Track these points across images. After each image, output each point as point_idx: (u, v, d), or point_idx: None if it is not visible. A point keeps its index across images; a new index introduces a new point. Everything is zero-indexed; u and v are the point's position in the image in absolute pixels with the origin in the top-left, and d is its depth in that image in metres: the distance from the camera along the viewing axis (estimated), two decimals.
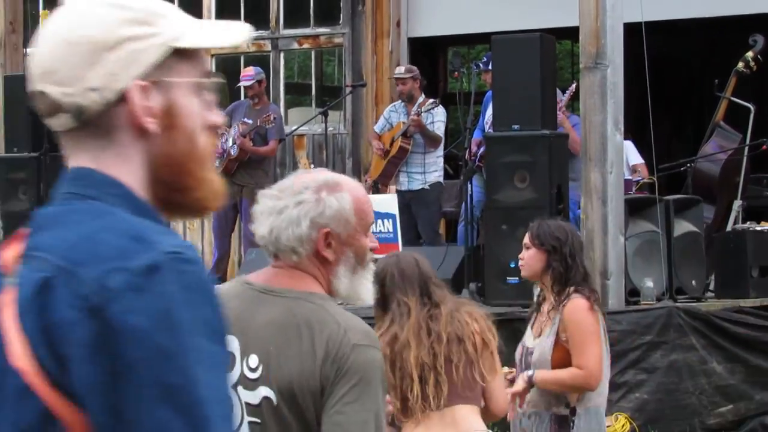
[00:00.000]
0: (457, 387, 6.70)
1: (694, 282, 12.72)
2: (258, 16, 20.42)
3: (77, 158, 2.65)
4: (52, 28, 2.63)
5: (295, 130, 19.09)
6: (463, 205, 14.74)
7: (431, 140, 15.41)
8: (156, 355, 2.35)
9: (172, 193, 2.72)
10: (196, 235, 19.24)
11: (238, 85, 17.53)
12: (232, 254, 17.22)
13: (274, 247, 4.36)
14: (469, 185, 14.56)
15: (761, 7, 16.28)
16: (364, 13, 19.43)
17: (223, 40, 2.50)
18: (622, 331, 12.02)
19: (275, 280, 4.40)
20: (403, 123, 15.46)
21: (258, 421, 4.17)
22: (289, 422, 4.15)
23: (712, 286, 13.23)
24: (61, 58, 2.54)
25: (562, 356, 7.64)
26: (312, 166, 16.36)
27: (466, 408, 6.81)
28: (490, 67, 14.19)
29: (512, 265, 12.31)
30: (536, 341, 7.87)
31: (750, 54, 14.18)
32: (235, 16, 20.70)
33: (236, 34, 2.70)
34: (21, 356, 2.47)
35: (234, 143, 15.96)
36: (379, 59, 18.40)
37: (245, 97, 16.54)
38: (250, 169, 16.04)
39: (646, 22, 12.99)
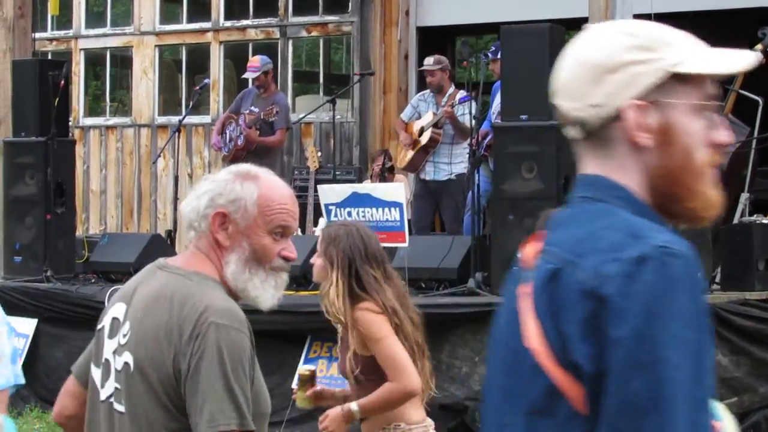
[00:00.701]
0: None
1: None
2: (267, 4, 20.40)
3: (587, 165, 3.05)
4: (572, 50, 2.98)
5: (303, 118, 19.03)
6: (470, 194, 14.78)
7: (462, 132, 15.38)
8: (635, 334, 2.73)
9: (667, 201, 3.03)
10: None
11: (244, 75, 17.29)
12: None
13: (185, 222, 4.47)
14: (476, 175, 14.62)
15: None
16: (372, 1, 19.41)
17: (725, 67, 2.78)
18: None
19: (180, 260, 4.53)
20: (434, 114, 15.54)
21: (118, 386, 4.18)
22: (139, 390, 4.15)
23: (718, 279, 13.27)
24: (572, 77, 2.92)
25: None
26: (319, 153, 16.39)
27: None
28: (498, 57, 14.23)
29: (518, 256, 12.34)
30: None
31: (759, 47, 14.18)
32: (244, 4, 20.70)
33: (739, 61, 2.93)
34: (534, 338, 2.94)
35: (241, 133, 16.05)
36: (388, 48, 18.43)
37: (252, 85, 16.57)
38: (258, 158, 16.05)
39: (655, 14, 13.02)
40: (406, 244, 13.59)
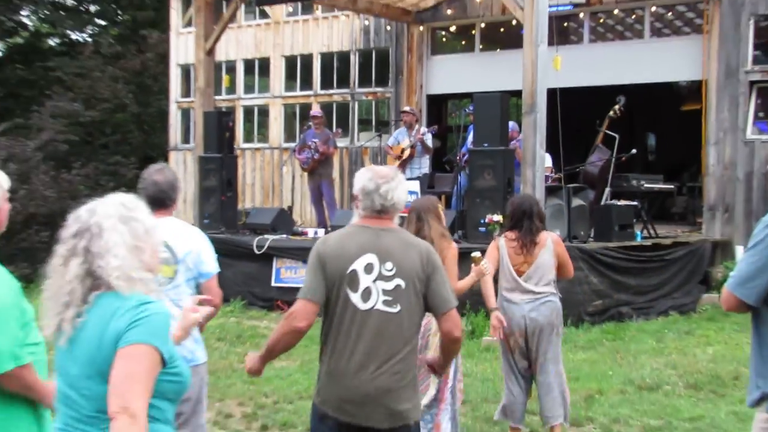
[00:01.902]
0: None
1: (582, 233, 12.69)
2: (344, 80, 20.28)
3: None
4: None
5: (362, 144, 18.57)
6: (455, 187, 14.74)
7: (427, 149, 15.40)
8: None
9: None
10: (307, 204, 18.72)
11: (308, 123, 17.23)
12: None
13: (398, 206, 4.43)
14: (459, 177, 14.59)
15: (622, 80, 16.23)
16: (402, 79, 19.34)
17: None
18: None
19: (393, 225, 4.36)
20: (410, 141, 15.53)
21: (391, 299, 4.08)
22: (410, 297, 4.11)
23: (592, 235, 13.20)
24: None
25: None
26: (371, 164, 16.36)
27: None
28: (471, 111, 14.19)
29: (482, 222, 12.37)
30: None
31: (616, 106, 14.16)
32: (330, 80, 20.64)
33: None
34: None
35: (316, 151, 15.97)
36: (410, 106, 18.28)
37: (312, 127, 16.35)
38: (324, 165, 16.04)
39: (560, 88, 13.00)
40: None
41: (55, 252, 2.94)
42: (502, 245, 6.88)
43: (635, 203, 14.18)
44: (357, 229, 4.25)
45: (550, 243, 6.87)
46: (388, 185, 4.20)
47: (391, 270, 4.13)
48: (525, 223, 6.80)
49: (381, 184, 4.20)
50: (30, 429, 3.66)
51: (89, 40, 31.11)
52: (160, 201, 5.00)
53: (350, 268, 4.11)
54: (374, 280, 4.11)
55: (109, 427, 2.67)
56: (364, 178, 4.27)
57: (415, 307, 4.18)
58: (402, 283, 4.13)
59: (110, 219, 2.90)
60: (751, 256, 3.65)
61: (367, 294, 4.11)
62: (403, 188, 4.29)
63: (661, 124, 19.76)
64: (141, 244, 2.93)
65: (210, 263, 5.20)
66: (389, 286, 4.12)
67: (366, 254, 4.14)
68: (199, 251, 5.11)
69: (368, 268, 4.12)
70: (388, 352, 4.12)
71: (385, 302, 4.12)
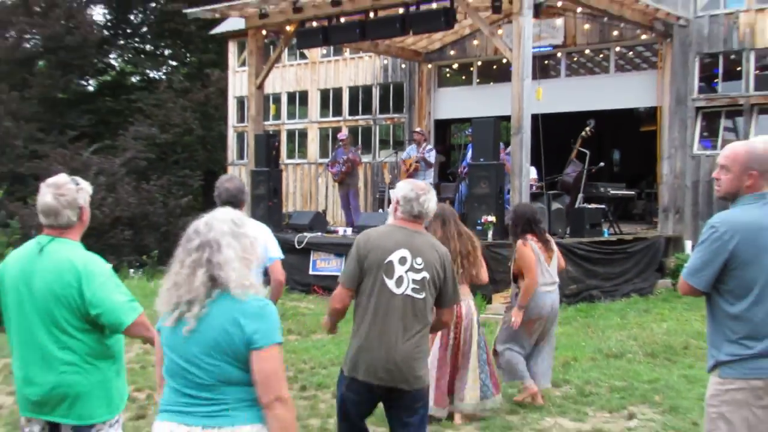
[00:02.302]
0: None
1: (560, 230, 12.63)
2: (367, 107, 20.27)
3: None
4: None
5: (383, 159, 18.57)
6: (457, 194, 14.71)
7: (428, 164, 15.30)
8: None
9: None
10: (337, 208, 18.36)
11: (338, 143, 17.12)
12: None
13: (431, 213, 4.49)
14: (460, 186, 14.55)
15: (592, 107, 16.16)
16: (414, 107, 19.31)
17: None
18: None
19: (422, 228, 4.39)
20: (416, 156, 15.47)
21: (416, 287, 4.15)
22: (430, 288, 4.20)
23: (568, 232, 13.14)
24: None
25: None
26: (390, 176, 16.35)
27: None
28: (471, 132, 14.16)
29: (479, 222, 12.31)
30: None
31: (587, 128, 14.05)
32: (356, 107, 20.65)
33: None
34: None
35: (343, 166, 16.02)
36: (421, 128, 18.24)
37: (341, 147, 16.32)
38: (350, 178, 16.01)
39: (541, 113, 12.95)
40: None
41: (179, 259, 2.95)
42: (535, 247, 6.64)
43: (603, 206, 14.13)
44: (394, 229, 4.27)
45: (554, 246, 6.87)
46: (426, 196, 4.25)
47: (420, 264, 4.17)
48: (537, 228, 6.70)
49: (420, 195, 4.24)
50: (116, 383, 3.82)
51: (164, 77, 31.28)
52: (232, 203, 4.98)
53: (387, 259, 4.13)
54: (406, 271, 4.14)
55: (226, 388, 2.82)
56: (406, 188, 4.30)
57: (432, 297, 4.23)
58: (427, 275, 4.18)
59: (226, 236, 2.93)
60: (698, 251, 3.68)
61: (399, 281, 4.12)
62: (435, 200, 4.33)
63: (623, 142, 19.65)
64: (249, 256, 2.98)
65: (275, 250, 5.23)
66: (418, 276, 4.16)
67: (401, 249, 4.16)
68: (266, 241, 5.13)
69: (402, 261, 4.15)
70: (413, 329, 4.15)
71: (413, 289, 4.15)
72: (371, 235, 4.27)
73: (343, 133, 16.98)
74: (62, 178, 3.84)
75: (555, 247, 6.89)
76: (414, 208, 4.23)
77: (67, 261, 3.68)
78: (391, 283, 4.12)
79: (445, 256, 4.32)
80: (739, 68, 15.15)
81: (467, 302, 6.20)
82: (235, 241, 2.94)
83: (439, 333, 5.97)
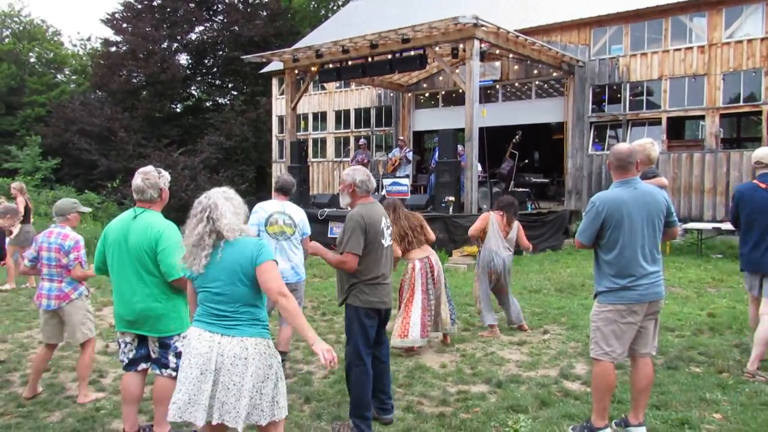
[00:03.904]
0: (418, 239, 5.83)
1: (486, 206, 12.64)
2: (367, 123, 20.13)
3: None
4: None
5: (377, 159, 18.33)
6: (428, 182, 14.66)
7: (408, 161, 15.10)
8: None
9: None
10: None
11: (360, 144, 17.11)
12: None
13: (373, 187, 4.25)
14: (430, 176, 14.47)
15: (520, 121, 16.06)
16: (399, 122, 19.18)
17: None
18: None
19: (368, 199, 4.14)
20: (400, 155, 15.31)
21: (390, 238, 4.15)
22: (390, 241, 4.20)
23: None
24: None
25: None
26: (383, 169, 16.25)
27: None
28: (437, 140, 14.08)
29: (443, 201, 12.26)
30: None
31: (517, 136, 13.98)
32: (359, 121, 20.49)
33: None
34: None
35: (360, 161, 15.93)
36: (404, 136, 18.13)
37: (360, 149, 16.28)
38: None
39: (486, 126, 12.85)
40: (409, 196, 13.44)
41: (190, 227, 2.95)
42: (492, 218, 6.41)
43: (527, 190, 14.14)
44: (370, 205, 4.03)
45: (517, 226, 6.55)
46: (372, 178, 4.12)
47: (389, 225, 4.17)
48: (511, 210, 6.46)
49: (370, 177, 4.09)
50: (184, 309, 3.83)
51: (228, 102, 31.03)
52: (285, 191, 5.14)
53: (380, 227, 4.02)
54: (386, 230, 4.10)
55: (241, 309, 2.86)
56: (360, 174, 4.05)
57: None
58: (390, 230, 4.20)
59: (220, 199, 2.95)
60: (584, 219, 3.78)
61: (385, 239, 4.08)
62: (374, 180, 4.16)
63: (541, 146, 19.57)
64: (240, 212, 2.98)
65: (308, 228, 5.20)
66: (388, 232, 4.14)
67: (382, 218, 4.08)
68: (304, 220, 5.11)
69: (386, 225, 4.11)
70: (390, 268, 4.18)
71: (389, 241, 4.15)
72: (364, 215, 3.94)
73: (363, 141, 17.04)
74: (149, 168, 3.89)
75: (516, 227, 6.52)
76: (369, 186, 4.05)
77: (150, 225, 3.70)
78: (384, 242, 4.05)
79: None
80: (619, 95, 15.28)
81: (434, 256, 5.96)
82: (228, 202, 2.95)
83: (419, 281, 5.79)
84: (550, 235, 13.64)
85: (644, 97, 14.98)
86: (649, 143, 4.54)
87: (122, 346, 3.90)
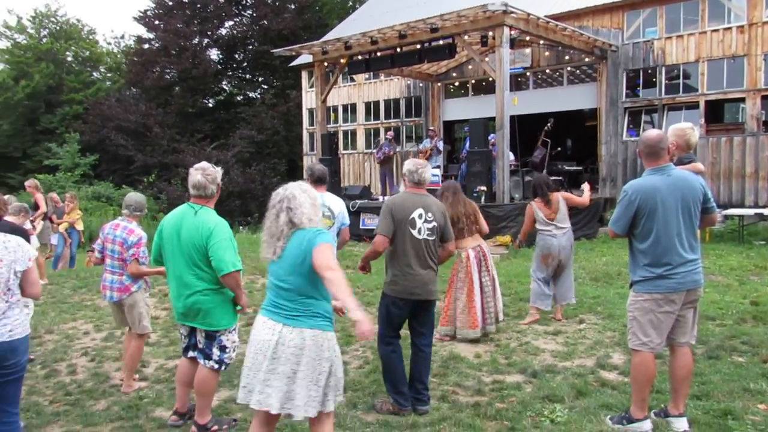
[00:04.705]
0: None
1: (530, 195, 12.48)
2: (396, 114, 20.10)
3: None
4: None
5: (407, 149, 18.52)
6: (459, 171, 14.57)
7: (439, 152, 15.06)
8: None
9: None
10: (378, 183, 17.60)
11: (386, 138, 16.99)
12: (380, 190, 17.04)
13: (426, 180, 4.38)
14: (461, 166, 14.39)
15: (552, 109, 15.82)
16: (428, 112, 19.09)
17: None
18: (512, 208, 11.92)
19: (422, 191, 4.23)
20: (431, 146, 15.21)
21: (430, 233, 4.14)
22: (437, 233, 4.20)
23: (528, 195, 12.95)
24: None
25: None
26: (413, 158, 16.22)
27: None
28: (467, 129, 13.99)
29: (474, 190, 12.19)
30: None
31: (548, 124, 13.77)
32: (389, 112, 20.45)
33: None
34: None
35: (386, 153, 16.00)
36: (434, 126, 18.03)
37: (387, 140, 16.22)
38: (388, 162, 15.91)
39: (517, 115, 12.70)
40: (440, 187, 13.40)
41: (268, 213, 3.06)
42: (535, 208, 6.36)
43: (560, 178, 13.92)
44: (409, 195, 4.20)
45: (560, 197, 6.39)
46: (422, 169, 4.22)
47: (431, 217, 4.16)
48: (539, 191, 6.34)
49: (418, 168, 4.22)
50: (232, 305, 3.92)
51: (259, 96, 31.30)
52: (321, 181, 5.08)
53: (411, 216, 4.12)
54: (423, 223, 4.13)
55: (300, 299, 2.93)
56: (409, 164, 4.27)
57: (438, 238, 4.24)
58: (435, 224, 4.18)
59: (296, 190, 3.06)
60: (617, 208, 3.72)
61: (418, 230, 4.12)
62: (429, 171, 4.27)
63: (574, 133, 19.26)
64: (315, 203, 3.08)
65: (347, 218, 5.18)
66: (429, 226, 4.15)
67: (418, 208, 4.13)
68: (343, 210, 5.09)
69: (420, 216, 4.12)
70: (429, 261, 4.17)
71: (427, 234, 4.15)
72: (396, 201, 4.19)
73: (390, 133, 16.93)
74: (205, 164, 3.96)
75: (560, 201, 6.33)
76: (415, 177, 4.19)
77: (204, 222, 3.77)
78: (414, 232, 4.10)
79: (444, 209, 4.31)
80: (654, 79, 14.93)
81: (485, 246, 5.95)
82: (304, 193, 3.05)
83: (475, 270, 5.77)
84: (585, 223, 13.42)
85: (681, 81, 14.61)
86: (689, 128, 4.41)
87: (181, 336, 4.10)
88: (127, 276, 4.86)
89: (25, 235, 4.56)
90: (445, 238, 4.30)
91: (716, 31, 13.98)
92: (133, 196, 5.00)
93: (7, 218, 5.26)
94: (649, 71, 15.01)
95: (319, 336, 2.91)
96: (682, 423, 3.74)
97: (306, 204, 3.01)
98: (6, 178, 31.24)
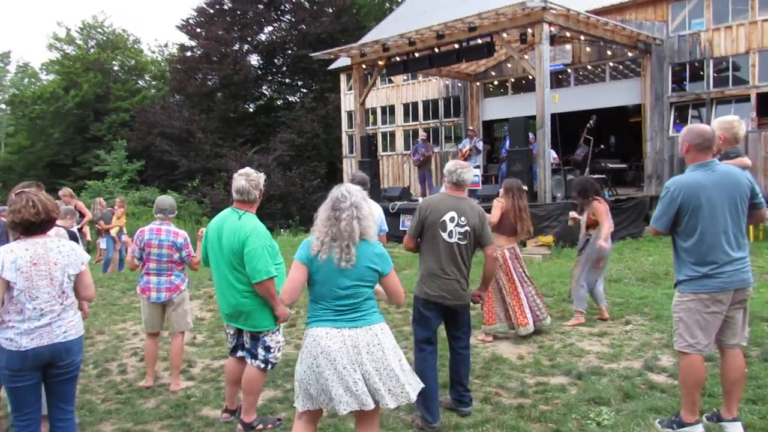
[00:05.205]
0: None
1: (572, 195, 12.28)
2: (435, 115, 20.07)
3: None
4: None
5: (446, 150, 18.61)
6: (499, 172, 14.44)
7: (478, 152, 14.94)
8: None
9: None
10: (417, 184, 17.21)
11: (419, 139, 16.90)
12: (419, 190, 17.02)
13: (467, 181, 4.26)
14: (501, 166, 14.26)
15: (594, 105, 15.54)
16: (467, 112, 19.00)
17: None
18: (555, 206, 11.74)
19: (458, 193, 4.12)
20: (470, 146, 15.12)
21: (461, 236, 4.01)
22: (472, 236, 4.05)
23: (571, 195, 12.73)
24: None
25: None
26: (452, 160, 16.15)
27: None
28: (507, 128, 13.85)
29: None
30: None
31: (591, 121, 13.56)
32: (428, 113, 20.42)
33: None
34: None
35: (423, 155, 15.94)
36: (473, 126, 17.92)
37: (420, 142, 16.15)
38: (426, 163, 15.83)
39: (558, 113, 12.51)
40: (480, 187, 13.29)
41: (333, 217, 2.98)
42: (602, 209, 6.25)
43: (604, 176, 13.66)
44: (445, 197, 4.13)
45: (595, 207, 6.29)
46: (462, 170, 4.12)
47: (464, 221, 4.05)
48: (600, 193, 6.36)
49: (458, 168, 4.13)
50: (269, 311, 3.95)
51: (298, 100, 31.67)
52: (364, 186, 5.20)
53: (441, 219, 4.02)
54: (455, 226, 4.03)
55: (362, 304, 2.97)
56: (450, 165, 4.20)
57: (473, 243, 4.12)
58: (468, 229, 4.06)
59: (361, 200, 3.01)
60: (659, 205, 3.63)
61: (450, 234, 4.02)
62: (470, 173, 4.18)
63: (617, 130, 18.88)
64: (374, 213, 3.14)
65: (385, 225, 5.23)
66: (462, 230, 4.05)
67: (450, 211, 4.04)
68: (381, 216, 5.11)
69: (452, 219, 4.03)
70: (460, 265, 4.07)
71: (459, 239, 4.05)
72: (430, 202, 4.11)
73: (423, 134, 16.85)
74: (249, 169, 4.00)
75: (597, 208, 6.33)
76: (453, 177, 4.10)
77: (242, 227, 3.82)
78: (444, 235, 4.01)
79: (482, 213, 4.15)
80: (701, 72, 14.55)
81: (518, 249, 6.06)
82: (365, 202, 3.03)
83: (513, 269, 5.85)
84: (630, 222, 13.14)
85: (730, 73, 14.17)
86: (735, 121, 4.26)
87: (227, 336, 4.19)
88: (176, 275, 4.98)
89: (77, 240, 4.74)
90: (482, 242, 4.16)
91: (767, 20, 13.52)
92: (167, 200, 5.08)
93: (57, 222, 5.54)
94: (696, 64, 14.61)
95: (384, 326, 3.03)
96: (736, 428, 3.63)
97: (370, 216, 3.01)
98: (57, 184, 32.40)
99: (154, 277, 4.97)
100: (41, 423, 3.22)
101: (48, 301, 3.08)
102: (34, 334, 3.04)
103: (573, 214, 6.74)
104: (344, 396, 2.86)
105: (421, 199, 13.61)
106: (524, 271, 6.01)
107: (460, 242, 4.06)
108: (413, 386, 3.01)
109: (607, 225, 6.19)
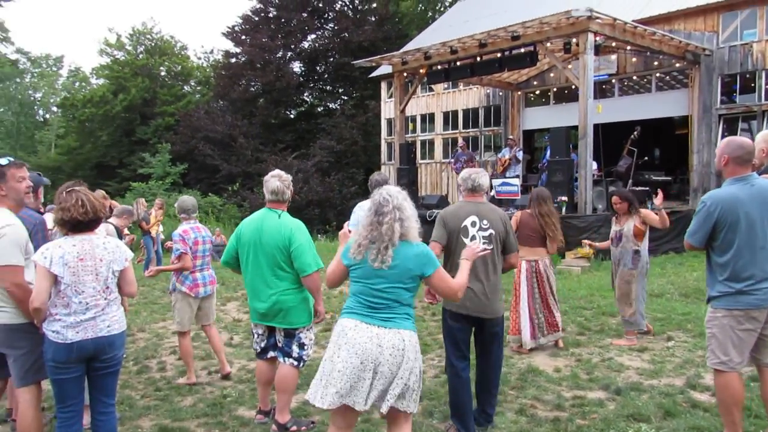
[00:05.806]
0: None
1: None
2: (475, 124, 19.99)
3: None
4: None
5: (486, 159, 18.50)
6: (539, 182, 14.28)
7: (518, 161, 14.83)
8: None
9: None
10: (456, 193, 18.47)
11: (458, 147, 16.92)
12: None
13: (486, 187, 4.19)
14: (541, 176, 14.09)
15: (638, 117, 15.24)
16: (508, 121, 18.86)
17: None
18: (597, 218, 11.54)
19: (480, 199, 4.07)
20: (510, 155, 15.03)
21: (486, 241, 3.90)
22: (495, 241, 3.94)
23: None
24: None
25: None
26: (492, 170, 16.01)
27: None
28: (548, 138, 13.70)
29: (555, 201, 11.85)
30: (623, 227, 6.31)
31: (635, 132, 13.29)
32: (467, 121, 20.32)
33: None
34: None
35: (464, 163, 15.80)
36: (512, 136, 17.77)
37: (459, 150, 16.09)
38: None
39: (601, 123, 12.31)
40: (519, 197, 13.15)
41: (374, 221, 2.97)
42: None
43: (647, 189, 13.36)
44: (464, 203, 4.06)
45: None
46: (476, 175, 4.07)
47: (486, 225, 3.96)
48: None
49: (472, 174, 4.09)
50: (310, 303, 4.08)
51: (339, 107, 31.96)
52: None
53: (462, 225, 3.94)
54: (477, 231, 3.96)
55: (398, 306, 2.95)
56: (464, 173, 4.15)
57: (498, 247, 4.00)
58: (492, 232, 3.97)
59: (403, 201, 3.00)
60: (695, 219, 3.58)
61: (471, 238, 3.93)
62: (485, 177, 4.09)
63: (663, 142, 18.45)
64: (415, 214, 3.05)
65: None
66: (486, 234, 3.96)
67: (471, 216, 3.96)
68: None
69: (473, 224, 3.95)
70: (488, 272, 3.95)
71: (484, 243, 3.93)
72: (449, 210, 4.03)
73: (462, 142, 16.84)
74: (278, 171, 4.14)
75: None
76: (469, 183, 4.05)
77: (283, 225, 3.95)
78: (467, 241, 3.90)
79: (504, 217, 4.06)
80: (753, 84, 14.19)
81: (544, 262, 5.81)
82: (407, 202, 3.01)
83: (525, 283, 5.76)
84: (674, 236, 12.80)
85: None
86: None
87: (255, 336, 4.21)
88: (213, 270, 5.35)
89: (121, 238, 4.93)
90: (506, 249, 4.05)
91: None
92: (189, 200, 5.28)
93: (111, 220, 5.74)
94: (747, 76, 14.21)
95: (413, 336, 2.98)
96: None
97: (413, 216, 2.99)
98: (104, 185, 33.46)
99: (199, 273, 5.22)
100: (83, 414, 3.33)
101: (93, 296, 3.16)
102: (80, 327, 3.12)
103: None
104: (342, 389, 2.88)
105: (437, 211, 13.67)
106: (539, 287, 5.81)
107: (486, 247, 3.83)
108: (416, 401, 3.02)
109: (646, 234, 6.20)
